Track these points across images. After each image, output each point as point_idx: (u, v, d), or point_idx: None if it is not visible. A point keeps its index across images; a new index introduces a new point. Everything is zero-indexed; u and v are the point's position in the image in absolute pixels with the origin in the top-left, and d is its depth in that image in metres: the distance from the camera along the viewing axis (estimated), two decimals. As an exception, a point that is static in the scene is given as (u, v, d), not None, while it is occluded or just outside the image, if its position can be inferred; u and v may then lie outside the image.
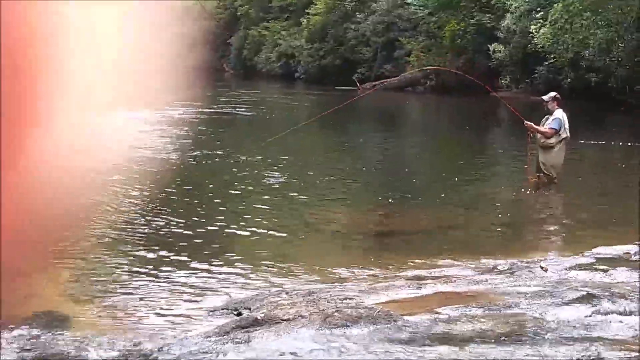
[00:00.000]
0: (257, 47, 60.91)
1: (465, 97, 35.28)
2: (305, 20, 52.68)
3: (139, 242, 8.97)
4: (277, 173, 14.68)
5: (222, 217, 10.33)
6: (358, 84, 41.47)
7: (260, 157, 16.47)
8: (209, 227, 9.75)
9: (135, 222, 9.97)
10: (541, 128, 12.82)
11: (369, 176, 14.98)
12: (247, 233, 9.56)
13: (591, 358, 4.91)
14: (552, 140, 12.75)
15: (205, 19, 65.42)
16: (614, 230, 9.69)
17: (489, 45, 35.62)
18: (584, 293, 6.41)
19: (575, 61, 29.94)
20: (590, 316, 5.79)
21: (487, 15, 37.38)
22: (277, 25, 59.03)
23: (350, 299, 6.21)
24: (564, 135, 12.79)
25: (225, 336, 5.48)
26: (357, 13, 47.30)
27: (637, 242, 8.54)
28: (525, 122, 12.92)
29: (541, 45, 30.81)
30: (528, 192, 12.66)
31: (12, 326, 5.67)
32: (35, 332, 5.58)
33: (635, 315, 5.78)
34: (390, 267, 7.98)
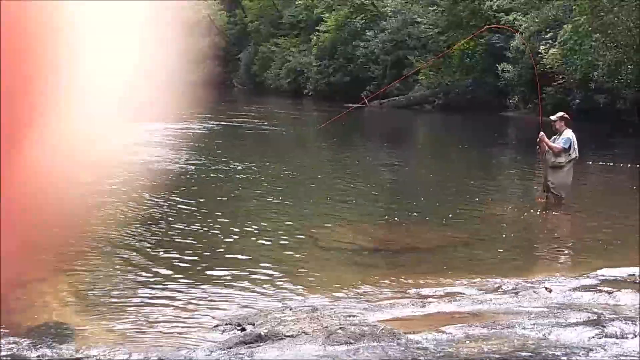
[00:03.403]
0: (266, 63, 60.99)
1: (473, 115, 35.32)
2: (314, 37, 52.78)
3: (142, 255, 8.97)
4: (283, 189, 14.71)
5: (227, 232, 10.34)
6: (366, 101, 41.53)
7: (272, 171, 16.52)
8: (214, 242, 9.77)
9: (140, 234, 9.99)
10: (551, 143, 12.74)
11: (375, 193, 14.98)
12: (252, 248, 9.57)
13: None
14: (562, 160, 12.71)
15: (215, 34, 65.77)
16: (620, 252, 9.67)
17: (497, 65, 35.63)
18: (588, 315, 6.42)
19: (584, 82, 29.92)
20: (593, 338, 5.78)
21: (497, 35, 37.45)
22: (286, 41, 59.14)
23: (353, 316, 6.21)
24: (573, 155, 12.76)
25: (229, 351, 5.49)
26: (366, 31, 47.41)
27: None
28: (541, 134, 12.82)
29: (550, 66, 30.83)
30: (536, 213, 12.64)
31: (14, 337, 5.68)
32: (36, 343, 5.59)
33: (638, 337, 5.77)
34: (394, 285, 7.98)
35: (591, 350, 5.51)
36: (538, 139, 12.87)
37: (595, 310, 6.61)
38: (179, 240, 9.76)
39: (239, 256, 9.15)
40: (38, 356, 5.36)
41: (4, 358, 5.27)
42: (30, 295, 6.96)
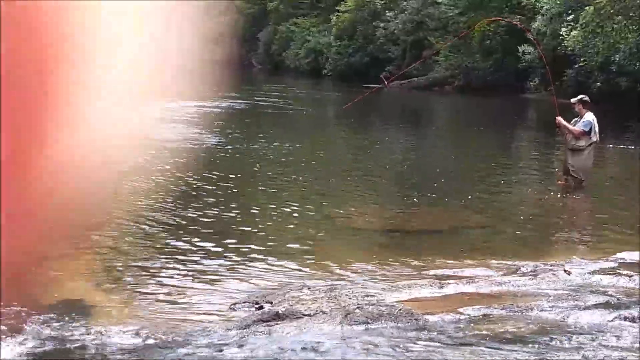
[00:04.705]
0: (285, 43, 60.88)
1: (492, 97, 35.14)
2: (334, 17, 52.62)
3: (163, 232, 9.01)
4: (303, 168, 14.72)
5: (246, 211, 10.37)
6: (386, 82, 41.35)
7: (292, 151, 16.53)
8: (233, 221, 9.79)
9: (160, 212, 10.00)
10: (571, 126, 12.69)
11: (394, 174, 14.96)
12: (271, 227, 9.59)
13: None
14: (583, 143, 12.64)
15: (234, 13, 65.56)
16: (640, 235, 9.61)
17: (518, 47, 35.37)
18: (607, 298, 6.39)
19: (605, 65, 29.64)
20: (612, 321, 5.76)
21: (518, 16, 37.17)
22: (306, 21, 58.99)
23: (371, 296, 6.21)
24: (594, 139, 12.68)
25: (247, 329, 5.51)
26: (387, 11, 47.19)
27: None
28: (557, 118, 12.78)
29: (571, 48, 30.56)
30: (556, 195, 12.58)
31: (34, 313, 5.71)
32: (56, 320, 5.62)
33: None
34: (412, 265, 7.97)
35: (609, 333, 5.50)
36: (557, 126, 12.86)
37: (614, 293, 6.58)
38: (198, 219, 9.78)
39: (258, 235, 9.16)
40: (57, 333, 5.40)
41: (24, 334, 5.31)
42: (52, 271, 7.00)
